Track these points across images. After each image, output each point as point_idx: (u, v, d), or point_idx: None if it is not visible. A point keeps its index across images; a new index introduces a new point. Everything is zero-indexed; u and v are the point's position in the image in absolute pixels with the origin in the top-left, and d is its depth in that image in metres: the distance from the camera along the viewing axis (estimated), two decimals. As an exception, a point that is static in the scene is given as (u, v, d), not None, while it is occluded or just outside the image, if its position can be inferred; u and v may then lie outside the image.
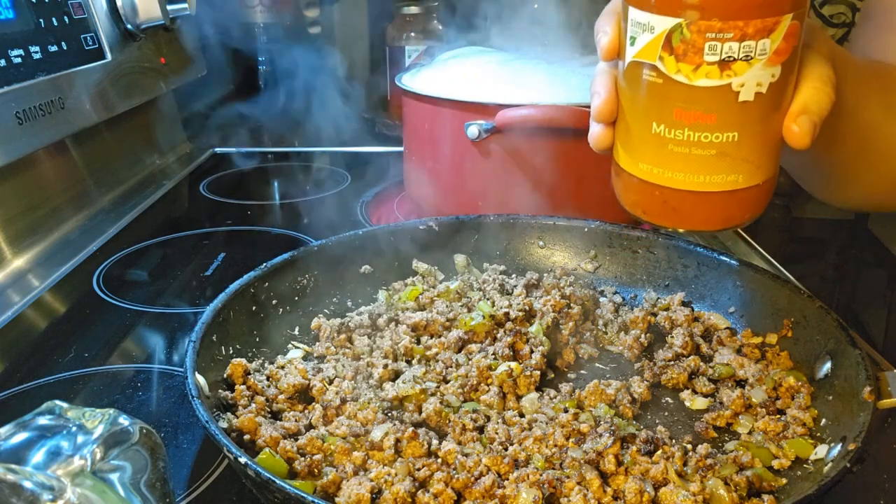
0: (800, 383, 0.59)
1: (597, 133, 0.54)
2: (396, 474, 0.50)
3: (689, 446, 0.55)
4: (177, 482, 0.55)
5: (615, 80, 0.53)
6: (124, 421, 0.38)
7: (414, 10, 1.47)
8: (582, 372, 0.67)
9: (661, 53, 0.48)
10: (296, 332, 0.70)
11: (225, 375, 0.60)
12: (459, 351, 0.66)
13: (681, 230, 0.54)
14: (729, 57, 0.46)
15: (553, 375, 0.66)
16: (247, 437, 0.54)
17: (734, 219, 0.52)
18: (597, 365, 0.68)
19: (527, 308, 0.70)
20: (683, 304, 0.74)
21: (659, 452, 0.53)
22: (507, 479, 0.50)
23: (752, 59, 0.46)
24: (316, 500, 0.43)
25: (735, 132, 0.48)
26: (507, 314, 0.68)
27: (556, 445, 0.54)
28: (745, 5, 0.45)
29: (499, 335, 0.67)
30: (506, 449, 0.54)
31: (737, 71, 0.46)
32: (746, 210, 0.52)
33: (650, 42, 0.48)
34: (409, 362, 0.66)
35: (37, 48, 0.90)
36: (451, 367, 0.64)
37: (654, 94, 0.49)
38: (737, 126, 0.48)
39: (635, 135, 0.52)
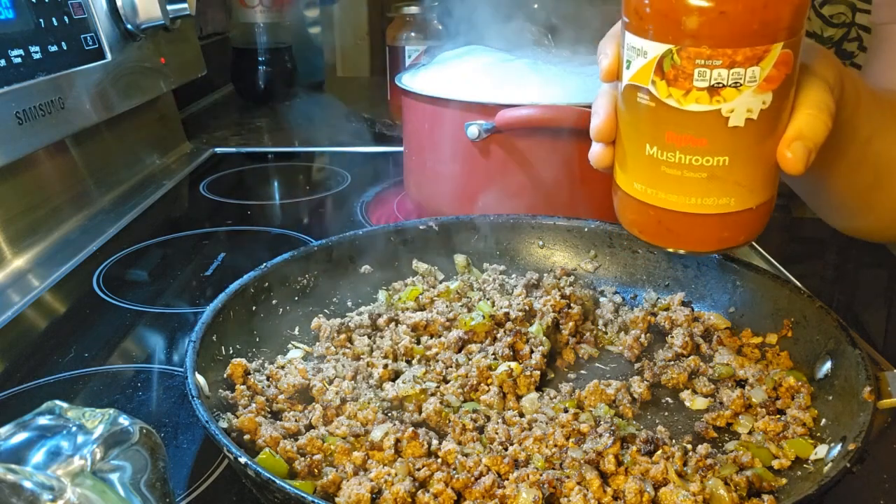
0: (800, 383, 0.59)
1: (597, 152, 0.56)
2: (396, 474, 0.50)
3: (689, 446, 0.55)
4: (177, 482, 0.55)
5: (615, 101, 0.53)
6: (124, 421, 0.38)
7: (414, 10, 1.47)
8: (582, 372, 0.67)
9: (653, 78, 0.48)
10: (296, 332, 0.70)
11: (225, 375, 0.60)
12: (459, 351, 0.66)
13: (682, 251, 0.54)
14: (718, 83, 0.46)
15: (553, 375, 0.66)
16: (247, 437, 0.54)
17: (728, 241, 0.53)
18: (597, 365, 0.68)
19: (527, 308, 0.70)
20: (683, 304, 0.74)
21: (659, 452, 0.53)
22: (507, 479, 0.50)
23: (741, 85, 0.46)
24: (316, 500, 0.43)
25: (726, 156, 0.48)
26: (507, 314, 0.68)
27: (556, 445, 0.54)
28: (733, 34, 0.45)
29: (499, 335, 0.67)
30: (506, 449, 0.54)
31: (726, 97, 0.47)
32: (741, 233, 0.52)
33: (643, 66, 0.48)
34: (409, 362, 0.66)
35: (37, 48, 0.90)
36: (451, 367, 0.64)
37: (648, 116, 0.50)
38: (728, 151, 0.48)
39: (631, 155, 0.52)
